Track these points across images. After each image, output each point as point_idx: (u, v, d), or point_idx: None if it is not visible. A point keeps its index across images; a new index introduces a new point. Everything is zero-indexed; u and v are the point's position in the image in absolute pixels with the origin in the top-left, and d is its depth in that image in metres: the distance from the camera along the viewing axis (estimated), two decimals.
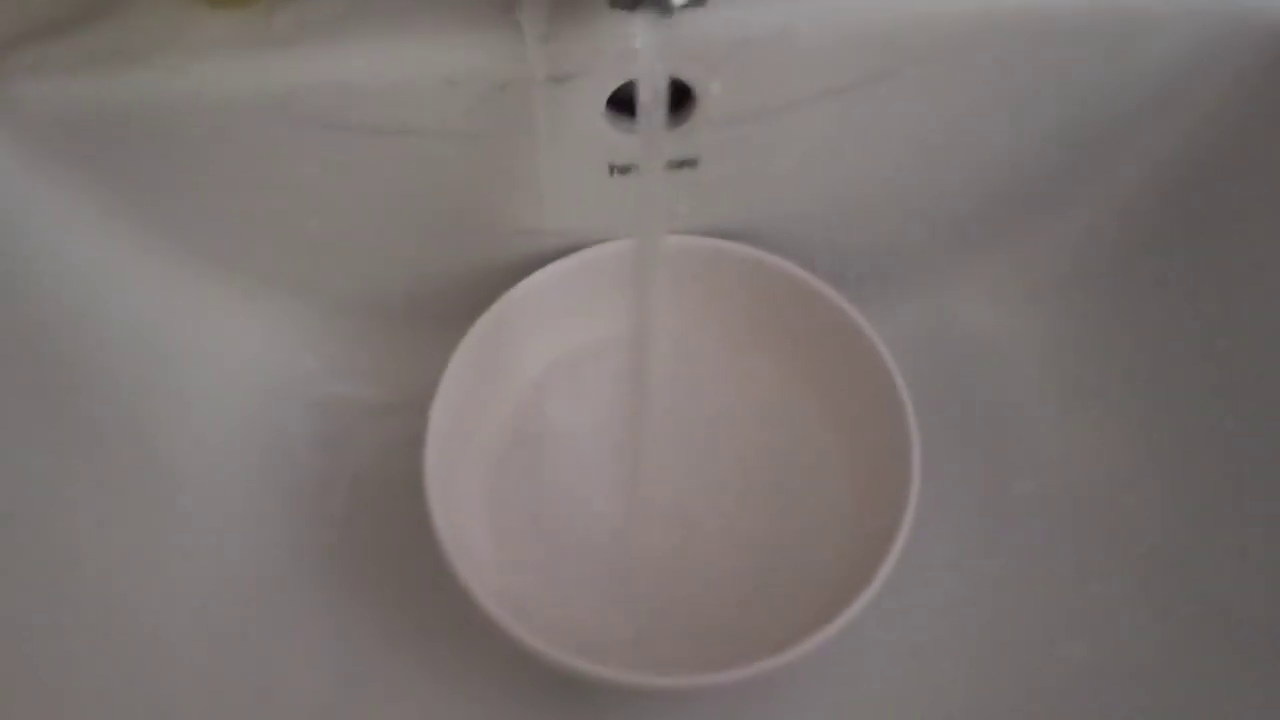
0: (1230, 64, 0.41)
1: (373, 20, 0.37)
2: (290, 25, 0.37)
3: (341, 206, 0.42)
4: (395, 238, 0.44)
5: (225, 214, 0.41)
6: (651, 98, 0.34)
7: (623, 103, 0.39)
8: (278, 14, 0.36)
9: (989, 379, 0.49)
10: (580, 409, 0.45)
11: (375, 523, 0.44)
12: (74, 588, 0.38)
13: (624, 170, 0.41)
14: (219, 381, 0.45)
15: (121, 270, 0.41)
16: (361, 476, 0.45)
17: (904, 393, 0.41)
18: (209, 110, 0.37)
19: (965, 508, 0.45)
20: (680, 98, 0.39)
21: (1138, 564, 0.43)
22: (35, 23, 0.37)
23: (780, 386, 0.45)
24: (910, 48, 0.39)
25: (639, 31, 0.34)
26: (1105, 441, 0.46)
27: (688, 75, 0.38)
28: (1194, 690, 0.40)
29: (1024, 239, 0.48)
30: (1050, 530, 0.45)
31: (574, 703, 0.41)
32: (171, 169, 0.39)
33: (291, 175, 0.40)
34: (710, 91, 0.39)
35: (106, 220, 0.40)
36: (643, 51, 0.34)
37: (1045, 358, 0.48)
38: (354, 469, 0.46)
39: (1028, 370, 0.48)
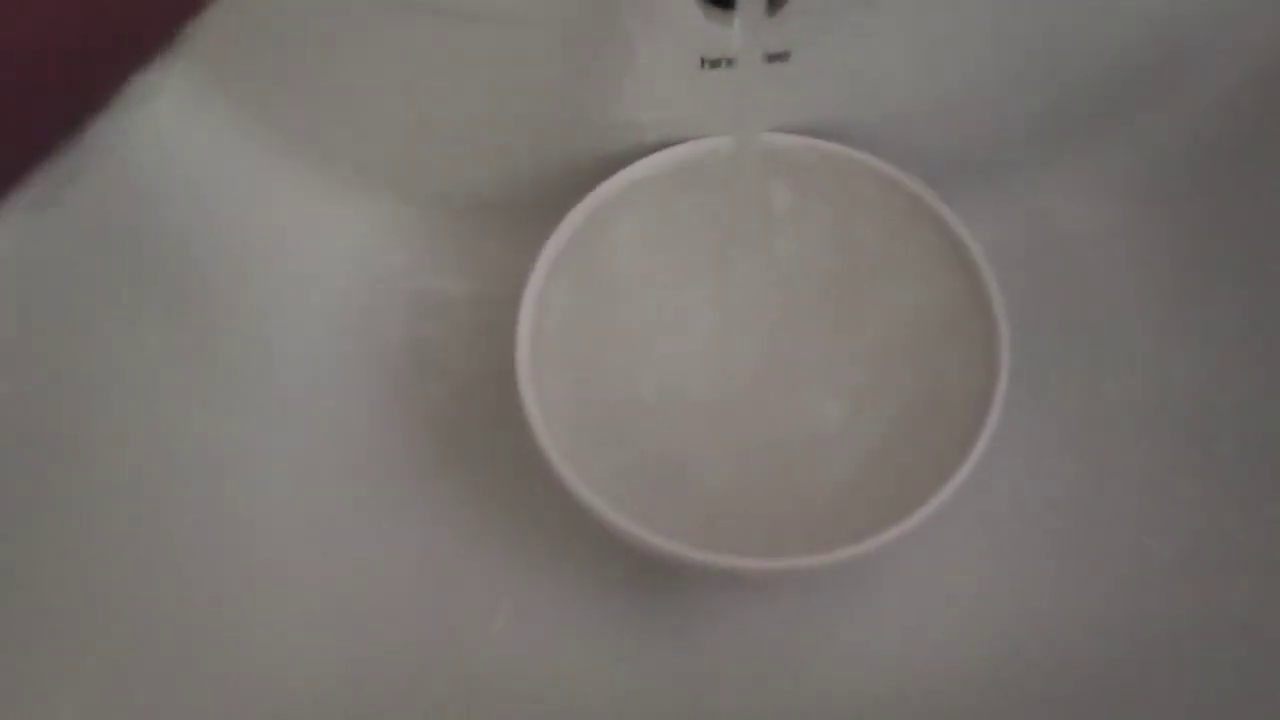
0: None
1: None
2: None
3: (434, 97, 0.42)
4: (488, 129, 0.44)
5: (320, 105, 0.42)
6: None
7: None
8: None
9: (1085, 280, 0.48)
10: (675, 299, 0.45)
11: (467, 411, 0.45)
12: (177, 474, 0.40)
13: (715, 64, 0.41)
14: (316, 273, 0.46)
15: (220, 165, 0.42)
16: (454, 367, 0.46)
17: (993, 289, 0.41)
18: None
19: (1058, 406, 0.45)
20: None
21: (1228, 465, 0.43)
22: None
23: (870, 279, 0.45)
24: None
25: None
26: (1199, 342, 0.45)
27: None
28: None
29: (1122, 140, 0.47)
30: (1142, 430, 0.44)
31: (664, 586, 0.42)
32: (260, 58, 0.40)
33: (381, 64, 0.40)
34: None
35: (203, 114, 0.41)
36: None
37: (1141, 258, 0.47)
38: (447, 360, 0.46)
39: (1124, 271, 0.48)
